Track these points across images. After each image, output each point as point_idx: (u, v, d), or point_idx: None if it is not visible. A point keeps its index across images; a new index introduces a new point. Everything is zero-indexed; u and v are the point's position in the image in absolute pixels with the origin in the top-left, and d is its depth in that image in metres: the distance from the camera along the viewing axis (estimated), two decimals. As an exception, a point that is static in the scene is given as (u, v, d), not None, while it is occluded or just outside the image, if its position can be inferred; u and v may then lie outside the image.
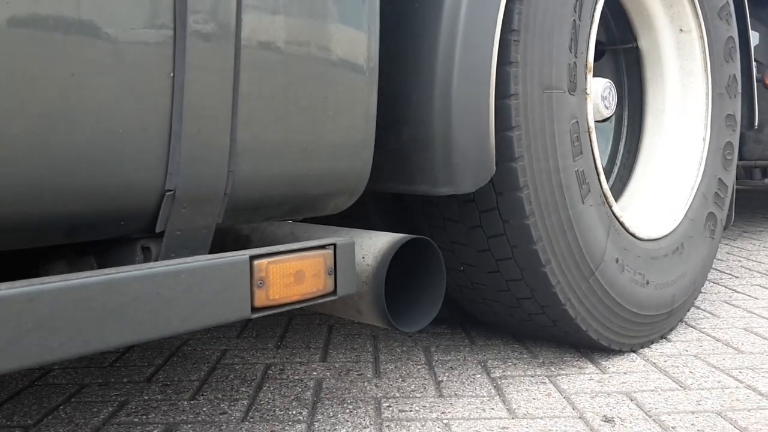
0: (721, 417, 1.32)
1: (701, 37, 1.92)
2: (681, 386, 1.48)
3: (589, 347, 1.68)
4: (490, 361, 1.65)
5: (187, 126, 0.88)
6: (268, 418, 1.32)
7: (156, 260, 0.93)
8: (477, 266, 1.54)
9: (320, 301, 1.04)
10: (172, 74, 0.85)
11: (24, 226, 0.80)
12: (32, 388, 1.49)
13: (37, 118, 0.75)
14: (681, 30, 1.93)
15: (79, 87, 0.78)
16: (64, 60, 0.76)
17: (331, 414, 1.34)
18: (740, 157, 2.60)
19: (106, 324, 0.79)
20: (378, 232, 1.20)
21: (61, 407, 1.38)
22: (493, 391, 1.46)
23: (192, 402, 1.40)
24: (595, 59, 1.60)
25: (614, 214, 1.61)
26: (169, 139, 0.87)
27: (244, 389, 1.47)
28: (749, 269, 2.78)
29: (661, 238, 1.77)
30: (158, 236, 0.92)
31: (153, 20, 0.83)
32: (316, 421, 1.30)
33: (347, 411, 1.35)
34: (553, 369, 1.59)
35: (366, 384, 1.50)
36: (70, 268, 0.96)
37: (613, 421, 1.30)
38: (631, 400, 1.41)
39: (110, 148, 0.82)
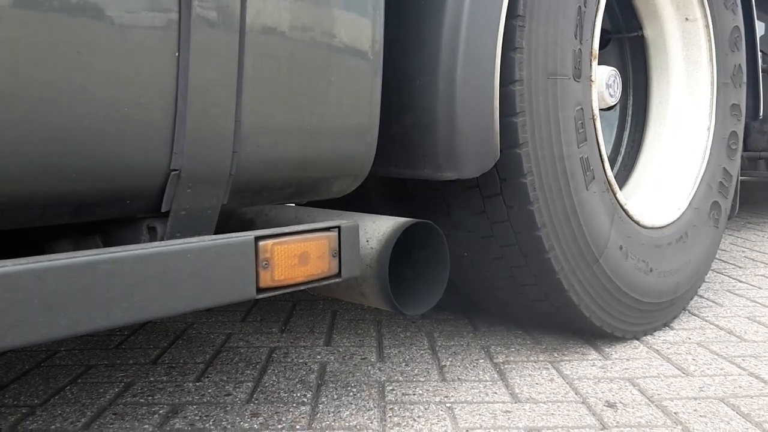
0: (724, 403, 1.33)
1: (707, 26, 1.91)
2: (684, 373, 1.49)
3: (592, 334, 1.69)
4: (493, 346, 1.66)
5: (192, 106, 0.88)
6: (272, 400, 1.33)
7: (162, 240, 0.93)
8: (480, 252, 1.54)
9: (324, 283, 1.05)
10: (177, 54, 0.85)
11: (31, 204, 0.81)
12: (39, 369, 1.51)
13: (43, 97, 0.76)
14: (687, 19, 1.92)
15: (85, 65, 0.78)
16: (69, 38, 0.77)
17: (335, 397, 1.35)
18: (745, 148, 2.60)
19: (112, 302, 0.80)
20: (382, 216, 1.21)
21: (68, 388, 1.40)
22: (496, 375, 1.47)
23: (197, 384, 1.41)
24: (601, 47, 1.60)
25: (618, 201, 1.61)
26: (174, 119, 0.88)
27: (248, 372, 1.48)
28: (753, 259, 2.78)
29: (665, 226, 1.77)
30: (164, 216, 0.93)
31: (159, 0, 0.83)
32: (320, 404, 1.31)
33: (351, 394, 1.36)
34: (556, 355, 1.60)
35: (370, 368, 1.51)
36: (76, 247, 0.97)
37: (616, 406, 1.31)
38: (634, 385, 1.41)
39: (116, 126, 0.82)
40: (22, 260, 0.74)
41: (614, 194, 1.60)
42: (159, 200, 0.90)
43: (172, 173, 0.89)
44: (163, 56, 0.85)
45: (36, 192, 0.80)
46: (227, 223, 1.30)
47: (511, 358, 1.58)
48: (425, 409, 1.29)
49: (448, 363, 1.54)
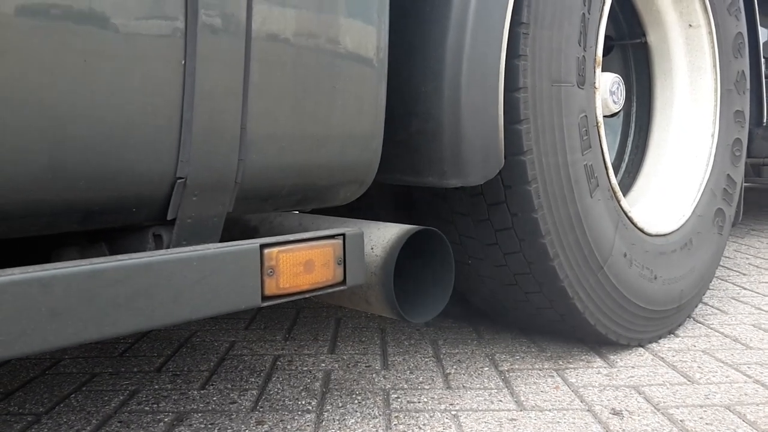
0: (730, 411, 1.32)
1: (710, 32, 1.91)
2: (689, 380, 1.48)
3: (597, 342, 1.68)
4: (497, 354, 1.66)
5: (198, 114, 0.89)
6: (277, 407, 1.33)
7: (167, 248, 0.93)
8: (485, 260, 1.54)
9: (329, 290, 1.05)
10: (183, 62, 0.86)
11: (38, 212, 0.81)
12: (44, 377, 1.51)
13: (51, 106, 0.76)
14: (690, 25, 1.93)
15: (92, 73, 0.78)
16: (77, 46, 0.77)
17: (340, 404, 1.34)
18: (748, 155, 2.60)
19: (119, 310, 0.80)
20: (386, 223, 1.21)
21: (73, 396, 1.40)
22: (501, 383, 1.46)
23: (202, 392, 1.41)
24: (604, 54, 1.60)
25: (622, 208, 1.61)
26: (181, 126, 0.88)
27: (253, 380, 1.48)
28: (757, 266, 2.77)
29: (669, 233, 1.77)
30: (170, 224, 0.93)
31: (165, 8, 0.84)
32: (325, 411, 1.31)
33: (356, 402, 1.36)
34: (561, 363, 1.59)
35: (374, 376, 1.50)
36: (82, 254, 0.97)
37: (622, 414, 1.30)
38: (640, 393, 1.41)
39: (122, 135, 0.82)
40: (29, 268, 0.74)
41: (618, 201, 1.60)
42: (165, 208, 0.90)
43: (178, 181, 0.89)
44: (169, 64, 0.85)
45: (43, 200, 0.80)
46: (231, 230, 1.30)
47: (516, 366, 1.57)
48: (430, 417, 1.29)
49: (453, 371, 1.54)
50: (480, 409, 1.32)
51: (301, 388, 1.43)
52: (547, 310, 1.57)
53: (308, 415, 1.29)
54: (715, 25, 1.92)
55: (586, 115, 1.49)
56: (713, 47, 1.92)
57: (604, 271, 1.53)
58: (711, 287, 2.35)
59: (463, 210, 1.49)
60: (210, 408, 1.33)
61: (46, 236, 0.96)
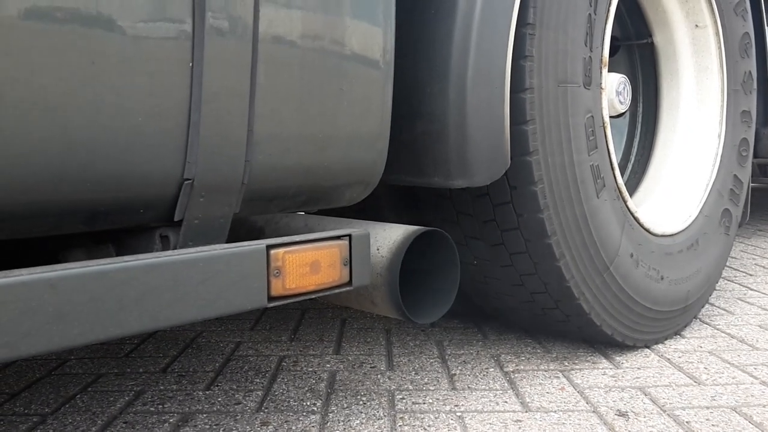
0: (736, 412, 1.32)
1: (717, 33, 1.91)
2: (695, 382, 1.48)
3: (602, 342, 1.68)
4: (503, 355, 1.65)
5: (206, 116, 0.89)
6: (282, 408, 1.33)
7: (174, 249, 0.93)
8: (490, 260, 1.54)
9: (335, 291, 1.05)
10: (191, 64, 0.86)
11: (45, 213, 0.81)
12: (49, 378, 1.51)
13: (58, 107, 0.76)
14: (696, 26, 1.92)
15: (100, 75, 0.78)
16: (84, 48, 0.77)
17: (345, 405, 1.34)
18: (755, 155, 2.59)
19: (125, 310, 0.80)
20: (392, 224, 1.21)
21: (78, 396, 1.40)
22: (506, 384, 1.46)
23: (207, 392, 1.41)
24: (610, 54, 1.60)
25: (629, 209, 1.61)
26: (188, 128, 0.88)
27: (258, 380, 1.48)
28: (763, 267, 2.76)
29: (675, 233, 1.76)
30: (176, 225, 0.93)
31: (172, 10, 0.84)
32: (330, 412, 1.31)
33: (361, 403, 1.36)
34: (566, 364, 1.59)
35: (379, 377, 1.50)
36: (89, 255, 0.97)
37: (627, 415, 1.30)
38: (645, 394, 1.40)
39: (130, 136, 0.83)
40: (37, 269, 0.75)
41: (625, 202, 1.59)
42: (172, 209, 0.90)
43: (185, 182, 0.89)
44: (177, 66, 0.85)
45: (51, 201, 0.80)
46: (238, 231, 1.30)
47: (522, 367, 1.57)
48: (435, 418, 1.28)
49: (458, 372, 1.54)
50: (485, 410, 1.32)
51: (306, 388, 1.43)
52: (552, 311, 1.57)
53: (313, 416, 1.29)
54: (722, 25, 1.91)
55: (592, 116, 1.49)
56: (720, 47, 1.91)
57: (610, 271, 1.53)
58: (717, 288, 2.35)
59: (469, 211, 1.48)
60: (215, 409, 1.33)
61: (53, 237, 0.96)
